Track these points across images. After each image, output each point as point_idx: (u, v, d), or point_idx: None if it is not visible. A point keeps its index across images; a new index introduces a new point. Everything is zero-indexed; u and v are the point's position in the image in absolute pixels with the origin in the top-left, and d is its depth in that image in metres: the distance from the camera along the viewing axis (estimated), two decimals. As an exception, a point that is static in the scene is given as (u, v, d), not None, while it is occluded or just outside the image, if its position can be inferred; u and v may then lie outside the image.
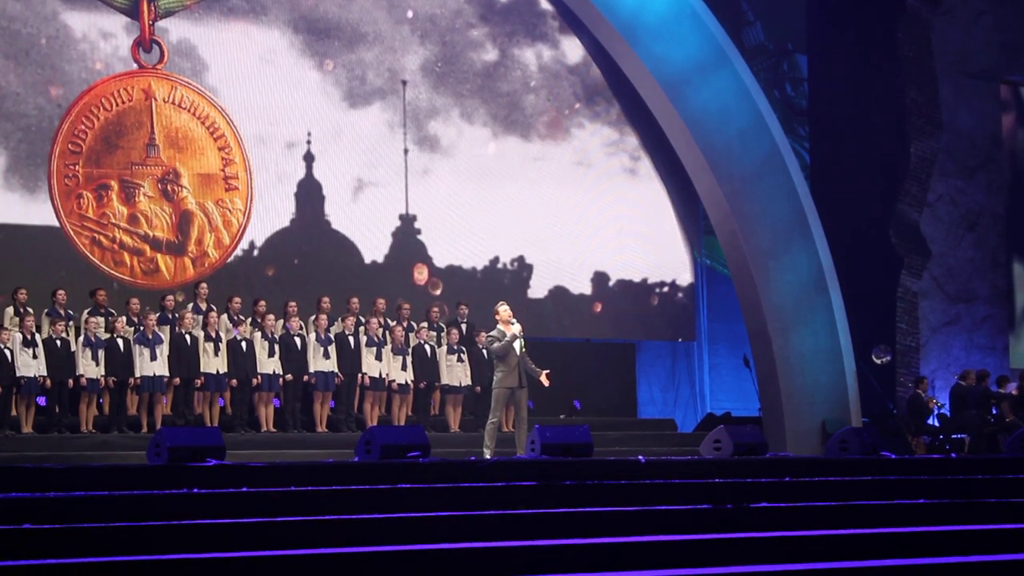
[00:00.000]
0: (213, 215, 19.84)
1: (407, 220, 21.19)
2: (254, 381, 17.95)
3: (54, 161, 18.99)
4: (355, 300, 19.02)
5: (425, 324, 19.35)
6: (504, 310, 16.00)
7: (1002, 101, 25.73)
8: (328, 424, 18.48)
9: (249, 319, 18.33)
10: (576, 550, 10.61)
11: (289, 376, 18.11)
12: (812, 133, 24.94)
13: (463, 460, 14.85)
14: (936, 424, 21.93)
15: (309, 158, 20.56)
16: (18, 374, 16.75)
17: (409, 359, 18.81)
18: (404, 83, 21.15)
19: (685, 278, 23.07)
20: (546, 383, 16.01)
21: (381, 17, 21.09)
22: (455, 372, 19.10)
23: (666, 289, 22.92)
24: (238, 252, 20.07)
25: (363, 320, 18.88)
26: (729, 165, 21.58)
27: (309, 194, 20.61)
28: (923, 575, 10.80)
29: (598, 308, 22.36)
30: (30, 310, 17.21)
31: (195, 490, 11.23)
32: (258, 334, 18.08)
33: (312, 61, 20.65)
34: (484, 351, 18.14)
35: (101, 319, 17.60)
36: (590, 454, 14.26)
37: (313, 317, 18.49)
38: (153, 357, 17.31)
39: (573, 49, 22.34)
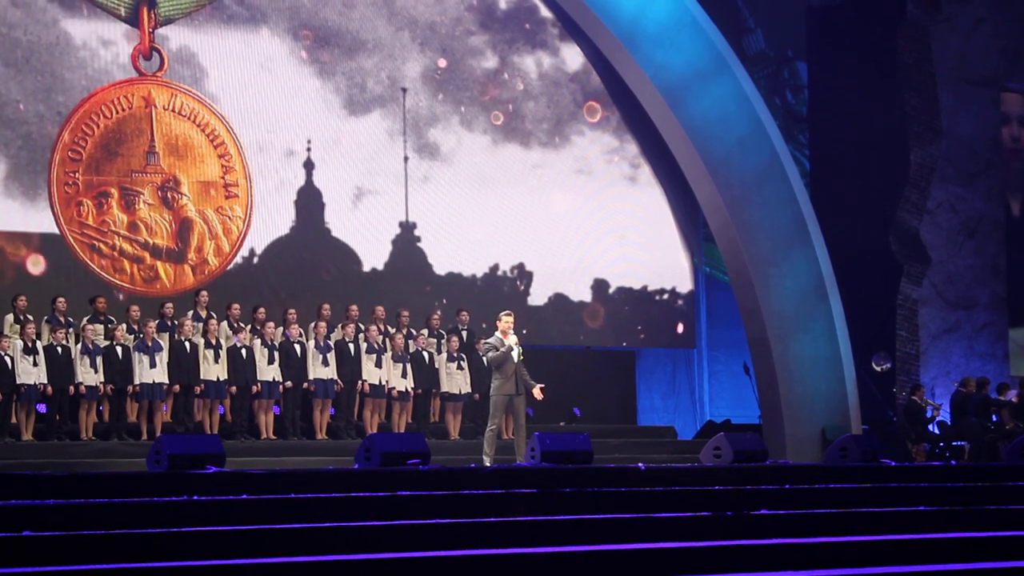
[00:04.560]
0: (213, 223, 19.85)
1: (407, 228, 21.19)
2: (254, 388, 17.95)
3: (54, 168, 19.00)
4: (355, 307, 19.02)
5: (425, 331, 19.35)
6: (507, 320, 15.97)
7: (1004, 113, 25.71)
8: (328, 431, 18.48)
9: (249, 326, 18.33)
10: (576, 557, 10.60)
11: (289, 383, 18.11)
12: (812, 140, 24.95)
13: (463, 467, 14.86)
14: (936, 431, 21.93)
15: (309, 166, 20.57)
16: (18, 381, 16.75)
17: (409, 366, 18.81)
18: (404, 91, 21.16)
19: (685, 285, 23.06)
20: (539, 396, 16.04)
21: (381, 25, 21.10)
22: (455, 379, 19.09)
23: (666, 296, 22.92)
24: (238, 260, 20.07)
25: (363, 327, 18.88)
26: (729, 172, 21.58)
27: (309, 202, 20.62)
28: (923, 582, 10.82)
29: (599, 319, 22.35)
30: (30, 317, 17.20)
31: (195, 497, 11.23)
32: (258, 341, 18.08)
33: (312, 68, 20.67)
34: (483, 358, 18.13)
35: (100, 326, 17.62)
36: (590, 461, 14.24)
37: (313, 324, 18.48)
38: (152, 364, 17.32)
39: (573, 56, 22.34)
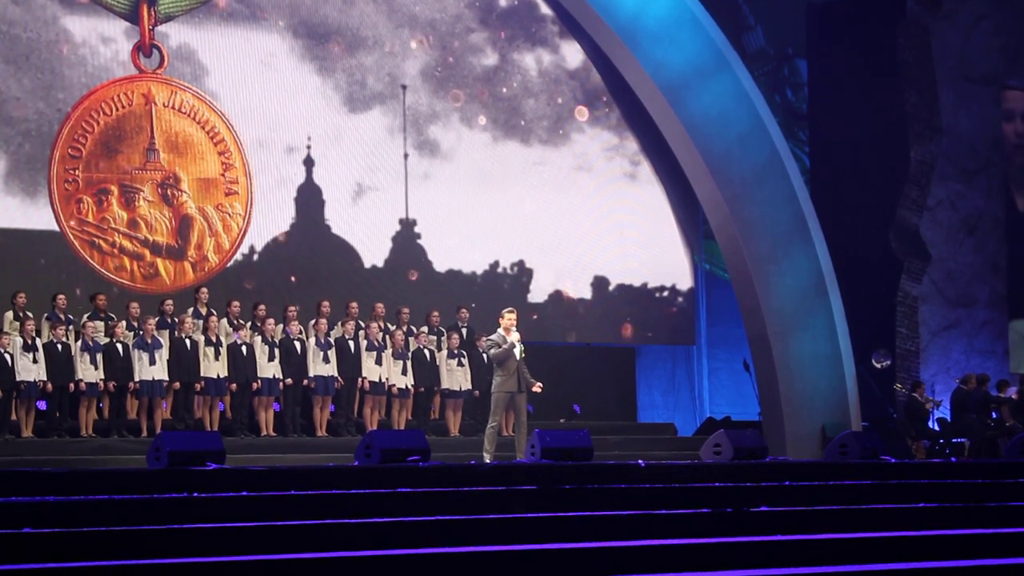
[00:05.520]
0: (213, 220, 19.85)
1: (407, 224, 21.19)
2: (254, 385, 17.96)
3: (54, 166, 19.00)
4: (355, 304, 19.03)
5: (425, 328, 19.35)
6: (510, 317, 15.98)
7: (1007, 110, 25.71)
8: (328, 428, 18.48)
9: (249, 323, 18.34)
10: (576, 554, 10.60)
11: (289, 380, 18.11)
12: (812, 138, 24.95)
13: (463, 464, 14.88)
14: (936, 428, 21.93)
15: (309, 163, 20.57)
16: (18, 378, 16.75)
17: (409, 363, 18.81)
18: (404, 88, 21.16)
19: (685, 282, 23.06)
20: (537, 390, 16.07)
21: (381, 22, 21.10)
22: (455, 376, 19.09)
23: (666, 293, 22.92)
24: (238, 256, 20.07)
25: (363, 324, 18.89)
26: (729, 169, 21.58)
27: (309, 199, 20.62)
28: (923, 579, 10.82)
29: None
30: (30, 314, 17.20)
31: (195, 494, 11.23)
32: (258, 338, 18.08)
33: (312, 66, 20.67)
34: (484, 355, 18.13)
35: (100, 323, 17.61)
36: (590, 458, 14.24)
37: (313, 321, 18.48)
38: (152, 362, 17.31)
39: (573, 54, 22.34)
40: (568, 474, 13.20)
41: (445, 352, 19.15)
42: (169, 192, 19.59)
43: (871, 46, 24.08)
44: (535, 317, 21.66)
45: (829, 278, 21.64)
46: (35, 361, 16.83)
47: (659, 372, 23.66)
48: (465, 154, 21.57)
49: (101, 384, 17.21)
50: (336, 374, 18.33)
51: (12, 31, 18.94)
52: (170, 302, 18.37)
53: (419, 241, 21.27)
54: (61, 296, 17.68)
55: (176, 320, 17.94)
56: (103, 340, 17.38)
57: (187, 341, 17.58)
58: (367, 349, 18.56)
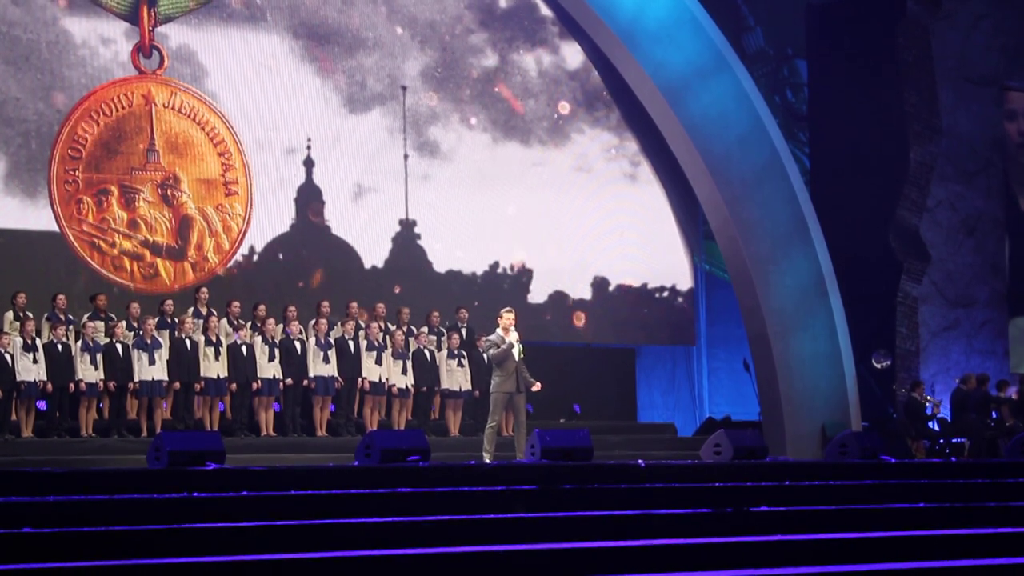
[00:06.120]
0: (213, 220, 19.86)
1: (407, 225, 21.20)
2: (254, 385, 17.96)
3: (54, 166, 19.00)
4: (355, 305, 19.04)
5: (425, 328, 19.35)
6: (508, 317, 15.99)
7: (1010, 109, 25.71)
8: (328, 428, 18.49)
9: (249, 323, 18.34)
10: (576, 554, 10.61)
11: (289, 380, 18.11)
12: (812, 138, 24.95)
13: (463, 464, 14.90)
14: (936, 428, 21.94)
15: (309, 163, 20.57)
16: (18, 378, 16.75)
17: (409, 363, 18.82)
18: (404, 89, 21.16)
19: (685, 283, 23.06)
20: (536, 389, 16.09)
21: (380, 23, 21.11)
22: (455, 376, 19.10)
23: (666, 294, 22.92)
24: (238, 257, 20.08)
25: (363, 325, 18.89)
26: (729, 170, 21.59)
27: (309, 199, 20.62)
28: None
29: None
30: (30, 315, 17.21)
31: (195, 494, 11.24)
32: (258, 338, 18.09)
33: (312, 67, 20.67)
34: (484, 355, 18.13)
35: (100, 323, 17.62)
36: (590, 458, 14.26)
37: (313, 321, 18.49)
38: (152, 362, 17.32)
39: (573, 54, 22.34)
40: (568, 474, 13.21)
41: (445, 352, 19.16)
42: (169, 193, 19.59)
43: (871, 46, 24.07)
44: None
45: (829, 278, 21.65)
46: (35, 361, 16.83)
47: (659, 372, 23.66)
48: (465, 155, 21.58)
49: (101, 384, 17.22)
50: (336, 374, 18.34)
51: (12, 31, 18.95)
52: (170, 302, 18.38)
53: (419, 242, 21.28)
54: (61, 296, 17.68)
55: (176, 320, 17.95)
56: (103, 340, 17.39)
57: (187, 341, 17.59)
58: (367, 349, 18.57)
